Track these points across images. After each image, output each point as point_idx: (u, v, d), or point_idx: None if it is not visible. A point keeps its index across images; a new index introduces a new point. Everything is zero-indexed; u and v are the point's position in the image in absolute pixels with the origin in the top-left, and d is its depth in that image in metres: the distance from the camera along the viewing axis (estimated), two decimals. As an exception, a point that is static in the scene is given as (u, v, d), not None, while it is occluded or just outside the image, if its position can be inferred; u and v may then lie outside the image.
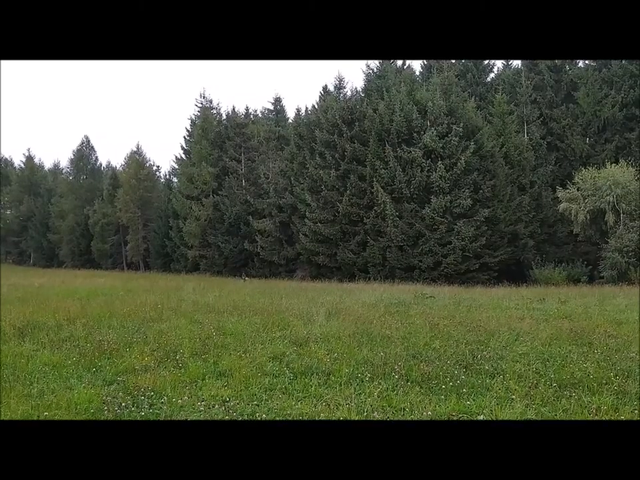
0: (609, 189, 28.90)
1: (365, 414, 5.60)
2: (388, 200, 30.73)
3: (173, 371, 7.34)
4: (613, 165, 30.26)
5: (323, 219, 33.55)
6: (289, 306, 13.75)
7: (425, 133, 30.81)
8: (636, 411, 5.60)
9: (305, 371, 7.31)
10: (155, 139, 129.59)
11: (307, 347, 8.62)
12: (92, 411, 5.75)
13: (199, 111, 47.19)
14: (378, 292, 18.80)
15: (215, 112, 46.74)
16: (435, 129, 30.53)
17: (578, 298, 16.91)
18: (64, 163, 68.79)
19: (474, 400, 6.00)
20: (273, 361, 7.89)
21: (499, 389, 6.32)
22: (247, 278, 32.75)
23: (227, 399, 6.20)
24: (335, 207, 33.34)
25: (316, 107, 42.57)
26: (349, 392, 6.32)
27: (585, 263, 31.18)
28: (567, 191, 30.57)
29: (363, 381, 6.76)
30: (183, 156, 49.14)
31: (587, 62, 38.43)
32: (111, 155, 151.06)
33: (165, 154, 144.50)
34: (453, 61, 40.35)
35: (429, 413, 5.60)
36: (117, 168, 60.65)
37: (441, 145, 30.35)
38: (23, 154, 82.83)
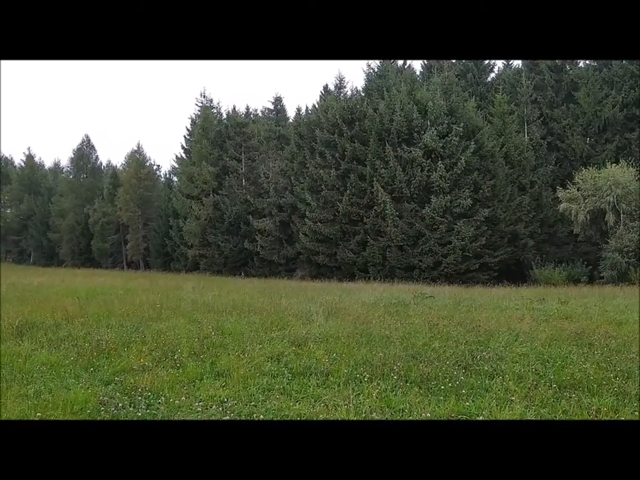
0: (609, 189, 28.87)
1: (364, 415, 5.58)
2: (388, 199, 30.70)
3: (171, 371, 7.30)
4: (614, 165, 30.22)
5: (323, 218, 33.52)
6: (288, 305, 13.72)
7: (425, 133, 30.78)
8: (636, 413, 5.58)
9: (304, 371, 7.28)
10: (156, 138, 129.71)
11: (306, 347, 8.59)
12: (88, 411, 5.72)
13: (199, 110, 47.16)
14: (377, 292, 18.76)
15: (215, 111, 46.75)
16: (435, 128, 30.50)
17: (578, 298, 16.87)
18: (64, 162, 68.80)
19: (473, 401, 5.97)
20: (272, 361, 7.86)
21: (499, 390, 6.29)
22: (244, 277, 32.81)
23: (225, 400, 6.16)
24: (335, 206, 33.32)
25: (316, 106, 42.53)
26: (348, 392, 6.29)
27: (585, 263, 31.15)
28: (567, 191, 30.54)
29: (361, 382, 6.72)
30: (183, 155, 49.10)
31: (587, 62, 38.42)
32: (111, 153, 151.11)
33: (165, 153, 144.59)
34: (454, 61, 40.34)
35: (428, 414, 5.57)
36: (117, 167, 60.75)
37: (441, 144, 30.32)
38: (23, 153, 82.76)
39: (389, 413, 5.68)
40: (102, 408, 5.78)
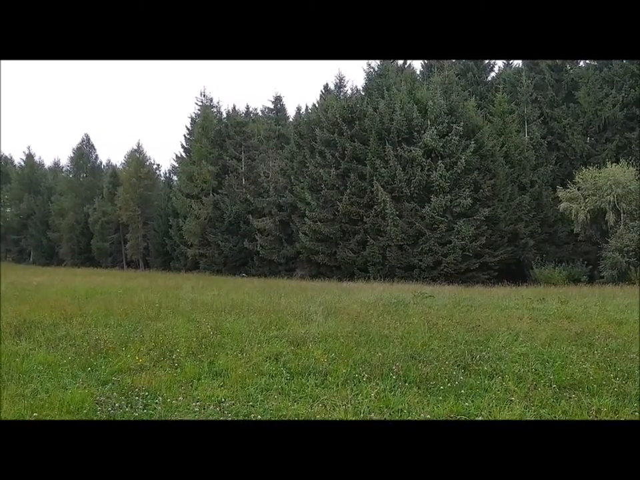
0: (609, 189, 28.83)
1: (362, 415, 5.54)
2: (388, 199, 30.66)
3: (169, 370, 7.27)
4: (614, 164, 30.18)
5: (322, 217, 33.48)
6: (287, 305, 13.68)
7: (425, 132, 30.74)
8: (636, 413, 5.54)
9: (302, 371, 7.24)
10: (155, 137, 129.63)
11: (305, 347, 8.54)
12: (85, 411, 5.68)
13: (199, 110, 47.12)
14: (377, 291, 18.72)
15: (215, 110, 46.72)
16: (435, 127, 30.45)
17: (578, 298, 16.82)
18: (64, 161, 68.73)
19: (472, 401, 5.94)
20: (270, 361, 7.82)
21: (498, 390, 6.26)
22: (244, 275, 32.82)
23: (223, 400, 6.13)
24: (335, 205, 33.27)
25: (316, 105, 42.49)
26: (346, 393, 6.26)
27: (585, 262, 31.11)
28: (568, 190, 30.50)
29: (360, 382, 6.69)
30: (183, 154, 49.07)
31: (587, 61, 38.37)
32: (111, 153, 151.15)
33: (165, 152, 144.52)
34: (454, 60, 40.26)
35: (427, 414, 5.53)
36: (117, 166, 60.71)
37: (441, 144, 30.28)
38: (23, 152, 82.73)
39: (388, 413, 5.65)
40: (98, 408, 5.74)
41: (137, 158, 52.48)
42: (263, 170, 39.31)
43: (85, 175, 59.95)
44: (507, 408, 5.66)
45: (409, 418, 5.51)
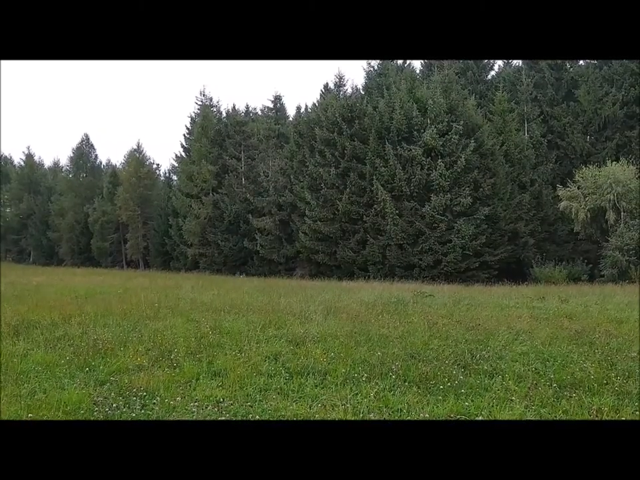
0: (609, 187, 28.79)
1: (361, 415, 5.50)
2: (388, 198, 30.63)
3: (167, 370, 7.22)
4: (614, 163, 30.14)
5: (322, 217, 33.45)
6: (286, 304, 13.64)
7: (425, 131, 30.70)
8: (637, 412, 5.50)
9: (301, 370, 7.19)
10: (155, 136, 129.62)
11: (304, 347, 8.50)
12: (82, 411, 5.64)
13: (199, 109, 47.12)
14: (377, 290, 18.69)
15: (215, 110, 46.70)
16: (435, 126, 30.41)
17: (578, 296, 16.79)
18: (64, 161, 68.77)
19: (472, 401, 5.89)
20: (269, 361, 7.77)
21: (498, 390, 6.21)
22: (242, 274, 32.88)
23: (221, 400, 6.08)
24: (335, 205, 33.24)
25: (316, 104, 42.45)
26: (345, 392, 6.21)
27: (586, 261, 31.09)
28: (568, 189, 30.46)
29: (359, 381, 6.64)
30: (183, 154, 49.06)
31: (587, 60, 38.30)
32: (110, 152, 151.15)
33: (164, 152, 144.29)
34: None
35: (427, 414, 5.49)
36: (117, 166, 60.75)
37: (441, 142, 30.25)
38: (23, 152, 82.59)
39: (387, 413, 5.60)
40: (96, 408, 5.70)
41: (136, 157, 52.45)
42: (262, 169, 39.28)
43: (84, 175, 59.94)
44: (507, 407, 5.62)
45: (409, 418, 5.47)
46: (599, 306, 14.10)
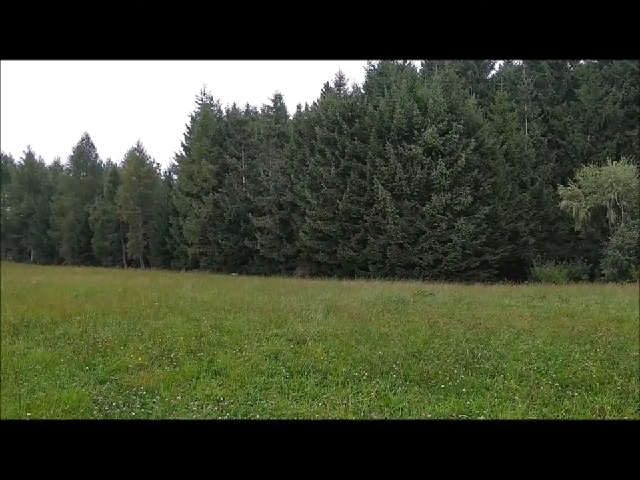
0: (610, 187, 28.77)
1: (362, 414, 5.47)
2: (388, 197, 30.60)
3: (167, 369, 7.19)
4: (614, 162, 30.11)
5: (322, 216, 33.42)
6: (287, 303, 13.61)
7: (425, 130, 30.67)
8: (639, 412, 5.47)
9: (302, 369, 7.16)
10: (155, 136, 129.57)
11: (304, 345, 8.47)
12: (81, 410, 5.61)
13: (199, 108, 47.09)
14: (377, 289, 18.67)
15: (215, 109, 46.69)
16: (436, 126, 30.37)
17: (579, 296, 16.77)
18: (64, 160, 68.73)
19: (474, 400, 5.86)
20: (269, 360, 7.74)
21: (500, 389, 6.18)
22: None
23: (221, 399, 6.06)
24: (335, 204, 33.20)
25: (316, 104, 42.42)
26: (346, 391, 6.19)
27: (586, 260, 31.07)
28: (568, 188, 30.43)
29: (360, 380, 6.61)
30: (183, 153, 49.04)
31: (588, 59, 38.26)
32: (111, 152, 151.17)
33: (165, 151, 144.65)
34: (454, 58, 40.16)
35: (428, 413, 5.47)
36: (117, 165, 60.77)
37: (441, 142, 30.21)
38: (23, 151, 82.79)
39: (388, 412, 5.58)
40: (95, 407, 5.67)
41: (137, 157, 52.43)
42: (263, 168, 39.25)
43: (85, 174, 59.92)
44: (509, 407, 5.59)
45: (410, 417, 5.44)
46: (600, 305, 14.07)
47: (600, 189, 29.11)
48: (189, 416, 5.53)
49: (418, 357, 7.57)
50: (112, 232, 52.61)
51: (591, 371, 6.61)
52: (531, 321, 10.64)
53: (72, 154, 61.48)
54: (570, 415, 5.39)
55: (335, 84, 40.82)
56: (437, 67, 36.84)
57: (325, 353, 7.93)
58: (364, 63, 45.07)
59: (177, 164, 51.97)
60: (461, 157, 29.76)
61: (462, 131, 30.45)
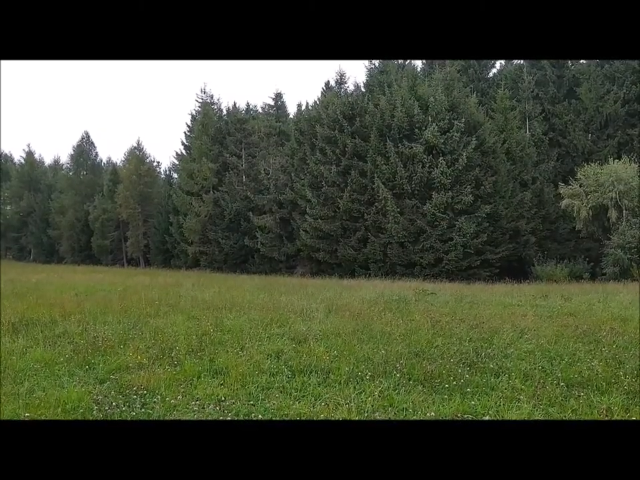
0: (611, 185, 28.67)
1: (366, 414, 5.40)
2: (389, 196, 30.52)
3: (168, 368, 7.11)
4: (616, 160, 30.02)
5: (323, 215, 33.34)
6: (288, 302, 13.55)
7: (426, 129, 30.57)
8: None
9: (304, 369, 7.09)
10: (156, 134, 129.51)
11: (306, 344, 8.40)
12: (81, 410, 5.54)
13: (199, 107, 46.95)
14: (378, 288, 18.60)
15: (215, 107, 46.56)
16: (437, 124, 30.27)
17: (581, 295, 16.70)
18: (64, 159, 68.70)
19: (479, 400, 5.79)
20: (271, 359, 7.67)
21: (505, 389, 6.11)
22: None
23: (223, 398, 5.99)
24: (336, 203, 33.12)
25: (317, 102, 42.32)
26: (349, 391, 6.11)
27: (587, 259, 31.00)
28: (570, 187, 30.33)
29: (363, 380, 6.53)
30: (184, 152, 48.94)
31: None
32: (111, 150, 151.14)
33: (165, 150, 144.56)
34: (455, 56, 40.04)
35: (432, 413, 5.39)
36: (117, 164, 60.59)
37: (442, 140, 30.12)
38: (23, 149, 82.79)
39: (392, 412, 5.50)
40: (95, 407, 5.60)
41: (137, 155, 52.32)
42: (263, 167, 39.14)
43: (85, 173, 59.82)
44: (514, 407, 5.52)
45: (414, 417, 5.36)
46: (602, 304, 14.00)
47: (601, 188, 29.02)
48: (190, 416, 5.46)
49: (421, 356, 7.50)
50: (112, 231, 52.53)
51: (597, 371, 6.53)
52: (534, 320, 10.56)
53: (72, 152, 61.47)
54: (577, 416, 5.32)
55: (336, 82, 40.71)
56: (437, 66, 36.73)
57: (327, 352, 7.86)
58: (365, 61, 45.05)
59: (177, 162, 51.90)
60: (462, 155, 29.67)
61: (463, 130, 30.36)
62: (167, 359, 7.56)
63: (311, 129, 36.09)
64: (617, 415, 5.25)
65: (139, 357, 7.63)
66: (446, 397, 5.90)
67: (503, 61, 42.82)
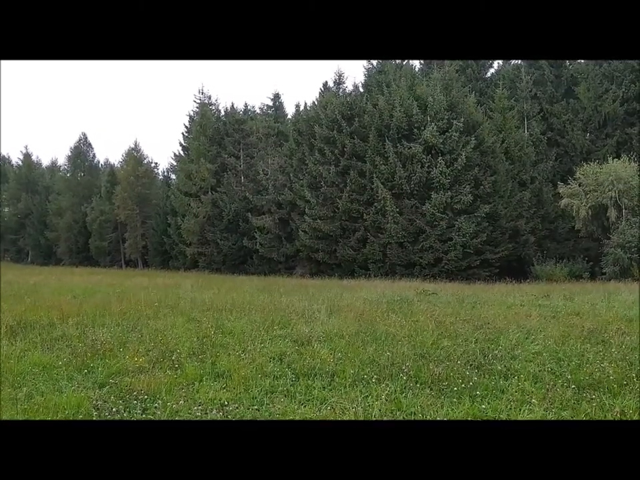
0: (610, 184, 28.60)
1: (374, 419, 5.26)
2: (388, 196, 30.41)
3: (169, 372, 6.96)
4: (615, 160, 29.95)
5: (322, 215, 33.21)
6: (288, 303, 13.41)
7: (425, 129, 30.46)
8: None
9: (308, 371, 6.94)
10: (153, 135, 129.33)
11: (309, 346, 8.26)
12: (80, 416, 5.40)
13: (197, 107, 46.80)
14: (379, 289, 18.48)
15: (213, 108, 46.43)
16: (436, 124, 30.16)
17: (583, 294, 16.60)
18: (61, 160, 68.68)
19: (489, 403, 5.65)
20: (274, 362, 7.53)
21: (515, 392, 5.97)
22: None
23: (226, 403, 5.84)
24: (335, 203, 32.99)
25: (315, 102, 42.19)
26: (355, 394, 5.97)
27: (586, 259, 30.95)
28: (569, 186, 30.25)
29: (369, 383, 6.38)
30: (182, 152, 48.78)
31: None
32: (108, 151, 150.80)
33: (163, 151, 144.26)
34: (453, 56, 39.98)
35: (442, 417, 5.25)
36: (115, 165, 60.44)
37: (441, 140, 30.02)
38: (21, 151, 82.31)
39: (401, 417, 5.37)
40: (95, 412, 5.45)
41: (134, 156, 52.16)
42: (261, 168, 39.00)
43: (82, 174, 59.64)
44: (526, 410, 5.38)
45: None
46: (605, 303, 13.90)
47: (600, 187, 28.95)
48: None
49: (427, 358, 7.35)
50: (110, 232, 52.36)
51: (608, 372, 6.38)
52: (539, 320, 10.43)
53: (69, 154, 61.24)
54: (590, 419, 5.18)
55: (334, 82, 40.60)
56: (436, 65, 36.64)
57: (331, 354, 7.72)
58: (363, 61, 44.93)
59: (175, 163, 51.74)
60: (461, 155, 29.57)
61: (462, 129, 30.26)
62: (168, 362, 7.40)
63: (309, 130, 35.97)
64: (631, 418, 5.11)
65: (138, 360, 7.47)
66: (455, 400, 5.76)
67: (500, 61, 42.84)
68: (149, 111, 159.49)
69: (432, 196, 29.63)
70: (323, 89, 43.56)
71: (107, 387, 6.49)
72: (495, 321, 10.33)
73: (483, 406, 5.55)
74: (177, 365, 7.27)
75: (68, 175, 61.06)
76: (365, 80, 43.08)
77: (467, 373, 6.53)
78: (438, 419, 5.23)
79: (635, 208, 28.55)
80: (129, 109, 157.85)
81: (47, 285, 21.25)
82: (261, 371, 6.99)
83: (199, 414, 5.49)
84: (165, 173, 57.79)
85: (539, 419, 5.21)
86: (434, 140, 29.86)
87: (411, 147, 30.48)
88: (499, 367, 6.87)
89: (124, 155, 55.99)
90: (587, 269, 30.13)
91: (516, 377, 6.46)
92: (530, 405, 5.49)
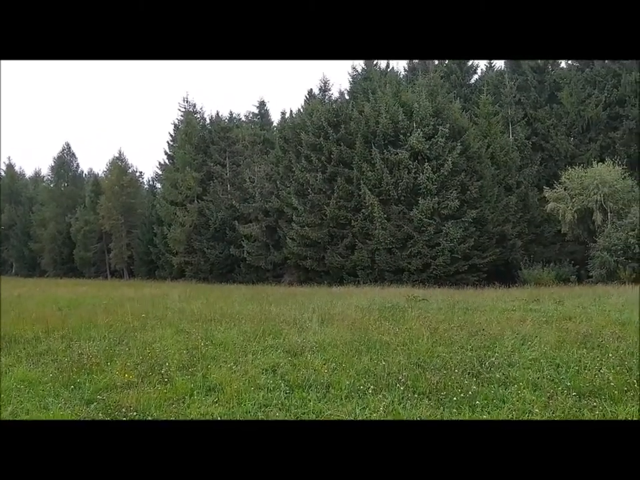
0: (596, 188, 28.88)
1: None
2: (375, 202, 30.37)
3: (158, 387, 6.74)
4: (600, 163, 30.24)
5: (310, 222, 33.06)
6: (278, 312, 13.21)
7: (411, 135, 30.52)
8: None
9: (302, 383, 6.76)
10: (138, 144, 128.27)
11: (303, 357, 8.07)
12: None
13: (182, 116, 46.50)
14: (369, 295, 18.35)
15: (198, 116, 46.15)
16: (421, 130, 30.24)
17: (572, 298, 16.59)
18: (45, 171, 67.78)
19: (489, 413, 5.51)
20: (267, 373, 7.34)
21: (515, 400, 5.84)
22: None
23: (218, 418, 5.65)
24: (322, 210, 32.88)
25: (301, 110, 42.14)
26: (352, 406, 5.81)
27: (572, 262, 31.12)
28: (555, 190, 30.48)
29: (365, 394, 6.22)
30: (167, 161, 48.37)
31: (569, 62, 38.62)
32: (92, 161, 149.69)
33: (148, 160, 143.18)
34: (437, 62, 40.22)
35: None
36: (99, 174, 59.79)
37: (427, 146, 30.09)
38: (3, 162, 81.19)
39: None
40: (83, 431, 5.22)
41: (119, 166, 51.73)
42: (248, 175, 38.79)
43: (66, 184, 59.01)
44: (528, 419, 5.25)
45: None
46: (596, 307, 13.88)
47: (586, 191, 29.21)
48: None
49: (424, 367, 7.21)
50: (94, 242, 51.77)
51: (607, 379, 6.26)
52: (533, 326, 10.34)
53: (53, 164, 60.55)
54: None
55: (320, 89, 40.61)
56: (420, 72, 36.81)
57: (325, 364, 7.55)
58: (348, 68, 45.00)
59: (160, 172, 51.28)
60: (447, 160, 29.65)
61: (448, 135, 30.37)
62: (157, 376, 7.17)
63: (295, 137, 35.87)
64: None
65: (126, 374, 7.24)
66: (455, 410, 5.61)
67: (484, 67, 43.17)
68: (133, 119, 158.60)
69: (419, 202, 29.65)
70: (308, 96, 43.55)
71: (95, 403, 6.26)
72: (489, 326, 10.22)
73: (484, 416, 5.41)
74: (166, 379, 7.05)
75: (51, 185, 60.42)
76: (350, 87, 43.17)
77: (465, 382, 6.38)
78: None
79: (620, 211, 28.81)
80: (113, 118, 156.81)
81: (31, 297, 20.83)
82: (254, 383, 6.80)
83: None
84: (150, 182, 57.45)
85: (538, 419, 5.11)
86: (420, 146, 29.92)
87: (397, 153, 30.51)
88: (497, 375, 6.74)
89: (108, 164, 55.61)
90: (573, 272, 30.28)
91: (515, 385, 6.34)
92: (532, 415, 5.36)
